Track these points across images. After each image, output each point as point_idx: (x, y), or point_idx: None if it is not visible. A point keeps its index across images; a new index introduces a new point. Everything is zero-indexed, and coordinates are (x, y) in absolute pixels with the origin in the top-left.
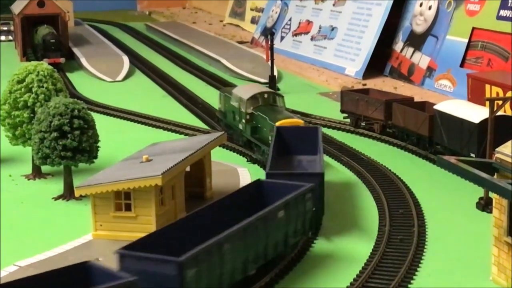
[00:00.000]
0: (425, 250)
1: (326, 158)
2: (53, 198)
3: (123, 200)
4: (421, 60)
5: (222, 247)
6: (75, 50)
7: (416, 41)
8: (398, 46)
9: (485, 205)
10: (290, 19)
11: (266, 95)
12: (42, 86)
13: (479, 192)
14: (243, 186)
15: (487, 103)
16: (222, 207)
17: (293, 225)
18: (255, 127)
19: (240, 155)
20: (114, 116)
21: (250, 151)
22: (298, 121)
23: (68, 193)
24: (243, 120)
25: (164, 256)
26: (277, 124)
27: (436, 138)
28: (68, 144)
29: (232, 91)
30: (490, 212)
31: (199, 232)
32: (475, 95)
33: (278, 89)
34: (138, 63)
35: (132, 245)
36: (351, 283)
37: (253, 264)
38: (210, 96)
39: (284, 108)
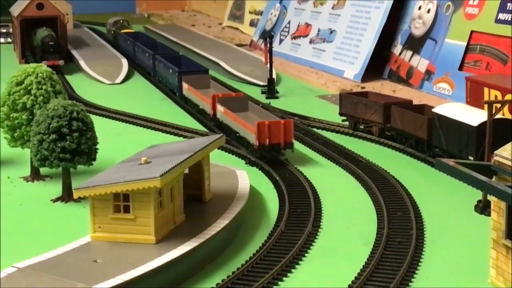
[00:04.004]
0: (423, 253)
1: (325, 161)
2: (51, 200)
3: (122, 202)
4: (420, 63)
5: None
6: (74, 53)
7: (415, 44)
8: (397, 49)
9: (483, 207)
10: (289, 22)
11: (121, 21)
12: (41, 88)
13: (478, 195)
14: None
15: (486, 106)
16: None
17: None
18: (114, 37)
19: (239, 157)
20: (113, 118)
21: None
22: (130, 30)
23: (67, 195)
24: (110, 34)
25: None
26: (121, 31)
27: (435, 141)
28: (66, 146)
29: (108, 21)
30: (489, 214)
31: None
32: (474, 98)
33: (277, 92)
34: (137, 65)
35: None
36: (349, 286)
37: None
38: None
39: (131, 27)
